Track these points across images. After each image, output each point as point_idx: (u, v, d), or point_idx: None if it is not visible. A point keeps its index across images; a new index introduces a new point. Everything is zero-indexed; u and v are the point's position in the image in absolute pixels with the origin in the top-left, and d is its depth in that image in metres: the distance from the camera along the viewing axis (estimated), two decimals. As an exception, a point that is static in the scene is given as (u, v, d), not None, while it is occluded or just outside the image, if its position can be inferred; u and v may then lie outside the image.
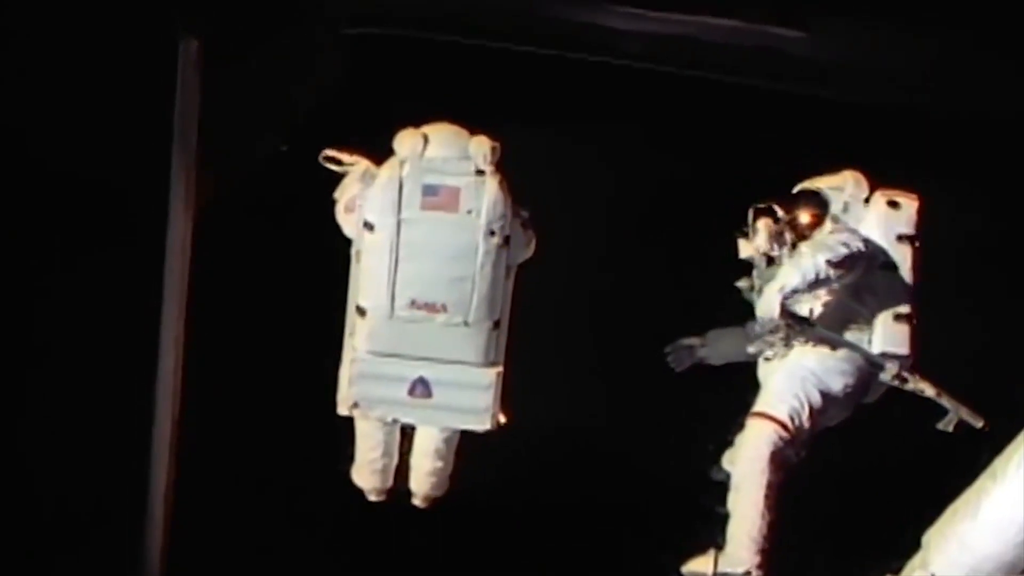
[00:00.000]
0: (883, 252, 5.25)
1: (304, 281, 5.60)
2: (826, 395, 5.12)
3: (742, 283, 5.43)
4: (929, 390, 5.09)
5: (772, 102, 5.99)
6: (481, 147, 4.93)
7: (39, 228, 5.19)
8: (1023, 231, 5.92)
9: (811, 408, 5.06)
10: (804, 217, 5.38)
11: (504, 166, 4.98)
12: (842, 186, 5.36)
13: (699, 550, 5.08)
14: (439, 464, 5.33)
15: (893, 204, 5.30)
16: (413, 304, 4.91)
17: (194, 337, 5.21)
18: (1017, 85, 5.72)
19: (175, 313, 5.15)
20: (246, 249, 5.66)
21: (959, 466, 4.24)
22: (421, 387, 4.98)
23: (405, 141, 4.96)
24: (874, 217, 5.29)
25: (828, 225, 5.29)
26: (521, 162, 4.98)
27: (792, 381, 5.12)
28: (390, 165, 4.95)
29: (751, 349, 5.26)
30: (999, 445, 4.09)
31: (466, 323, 4.91)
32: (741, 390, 5.35)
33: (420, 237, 4.89)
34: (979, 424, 4.97)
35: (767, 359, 5.28)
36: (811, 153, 5.50)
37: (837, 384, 5.15)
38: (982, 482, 4.15)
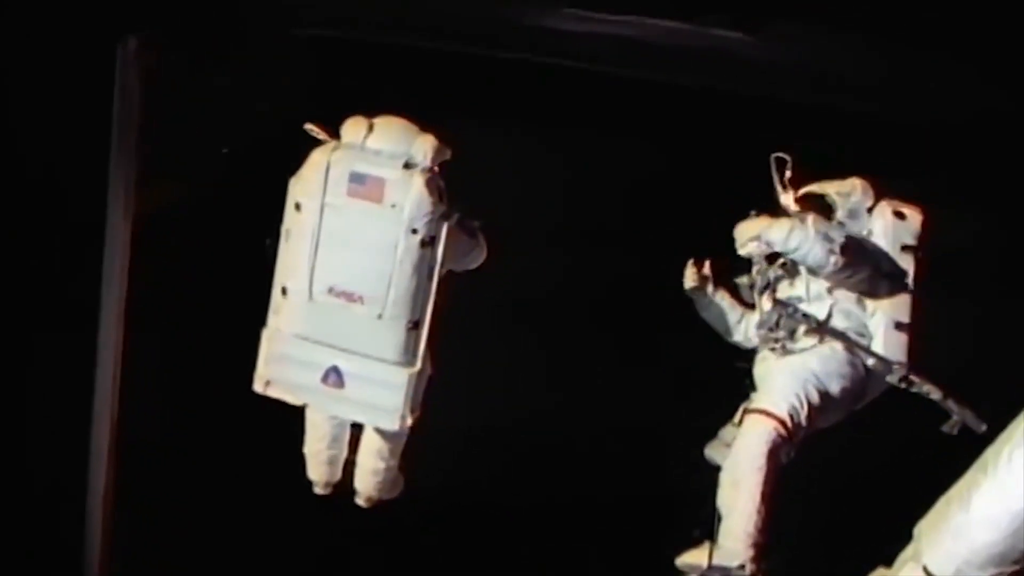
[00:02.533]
0: (888, 260, 5.33)
1: (247, 285, 5.62)
2: (825, 397, 5.20)
3: (742, 279, 5.48)
4: (935, 393, 5.17)
5: (727, 105, 6.02)
6: (424, 144, 4.95)
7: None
8: (980, 232, 6.02)
9: (810, 408, 5.14)
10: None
11: (457, 169, 5.01)
12: (849, 192, 5.41)
13: (671, 546, 5.18)
14: (381, 465, 5.35)
15: (899, 215, 5.37)
16: (331, 291, 4.94)
17: (133, 341, 5.26)
18: (977, 91, 5.77)
19: (114, 319, 5.22)
20: (187, 254, 5.68)
21: (950, 458, 4.34)
22: (334, 376, 5.00)
23: (349, 127, 5.01)
24: (880, 225, 5.36)
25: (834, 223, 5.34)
26: (474, 165, 5.00)
27: (794, 381, 5.19)
28: (324, 148, 4.98)
29: (755, 332, 5.38)
30: (989, 437, 4.20)
31: (380, 317, 4.93)
32: (714, 389, 5.43)
33: (342, 224, 4.90)
34: (982, 429, 5.02)
35: (767, 357, 5.35)
36: (767, 157, 5.50)
37: (836, 387, 5.23)
38: (973, 474, 4.23)
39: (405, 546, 6.09)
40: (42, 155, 5.29)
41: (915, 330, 5.28)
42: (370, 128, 4.98)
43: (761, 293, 5.41)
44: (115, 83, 4.90)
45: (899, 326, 5.27)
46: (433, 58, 5.97)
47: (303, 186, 4.95)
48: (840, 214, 5.39)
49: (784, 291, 5.42)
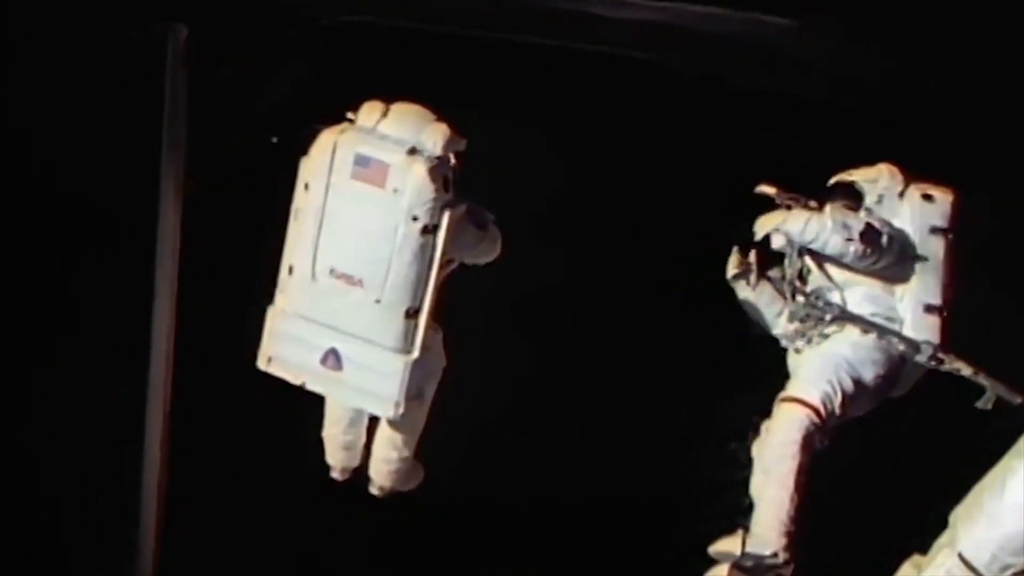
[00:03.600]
0: (916, 244, 5.35)
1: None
2: (858, 383, 5.22)
3: (774, 272, 5.53)
4: (966, 369, 5.19)
5: (752, 97, 6.04)
6: (436, 133, 4.93)
7: (29, 224, 5.28)
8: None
9: (843, 395, 5.17)
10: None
11: (477, 158, 4.98)
12: (876, 179, 5.43)
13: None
14: (394, 455, 5.33)
15: (927, 197, 5.39)
16: (332, 272, 4.92)
17: (185, 329, 5.34)
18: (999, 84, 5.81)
19: (166, 306, 5.26)
20: (236, 240, 5.69)
21: (985, 445, 4.42)
22: (333, 358, 4.99)
23: (365, 110, 5.02)
24: (908, 210, 5.37)
25: (862, 213, 5.40)
26: (496, 154, 4.99)
27: (826, 368, 5.23)
28: (333, 129, 4.99)
29: (786, 326, 5.44)
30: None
31: (378, 302, 4.89)
32: (742, 385, 5.51)
33: (345, 206, 4.89)
34: (1017, 400, 5.07)
35: (797, 351, 5.41)
36: (790, 148, 5.53)
37: (869, 374, 5.25)
38: (1008, 461, 4.34)
39: (430, 539, 6.12)
40: (92, 147, 5.38)
41: (947, 312, 5.29)
42: (385, 113, 4.99)
43: (791, 285, 5.47)
44: (165, 71, 4.97)
45: (929, 308, 5.29)
46: (464, 45, 5.99)
47: (311, 166, 4.97)
48: (869, 200, 5.40)
49: (814, 281, 5.47)
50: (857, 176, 5.50)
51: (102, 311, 5.34)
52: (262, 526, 5.89)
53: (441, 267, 4.93)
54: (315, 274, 4.97)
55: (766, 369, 5.46)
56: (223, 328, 5.63)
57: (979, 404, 5.14)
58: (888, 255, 5.30)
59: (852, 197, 5.44)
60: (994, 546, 4.32)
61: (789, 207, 5.36)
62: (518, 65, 6.10)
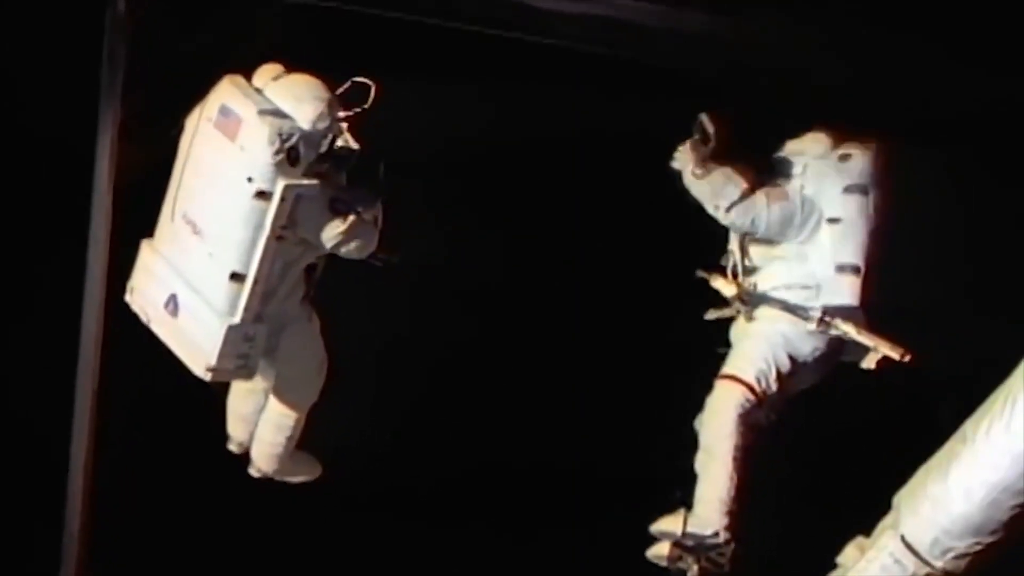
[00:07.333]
0: (828, 207, 5.29)
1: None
2: (795, 359, 5.22)
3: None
4: (850, 331, 5.17)
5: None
6: (311, 107, 4.81)
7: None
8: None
9: (779, 371, 5.19)
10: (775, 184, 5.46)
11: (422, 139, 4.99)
12: (803, 149, 5.41)
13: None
14: (268, 437, 5.31)
15: (844, 157, 5.33)
16: (184, 216, 4.94)
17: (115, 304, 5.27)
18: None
19: (98, 278, 5.25)
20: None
21: (930, 428, 4.48)
22: (172, 303, 4.99)
23: (262, 70, 4.97)
24: (828, 172, 5.31)
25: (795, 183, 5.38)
26: (448, 133, 4.92)
27: (763, 345, 5.23)
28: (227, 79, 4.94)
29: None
30: (970, 407, 4.34)
31: (211, 256, 4.88)
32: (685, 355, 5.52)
33: (203, 153, 4.89)
34: (898, 356, 5.05)
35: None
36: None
37: (806, 347, 5.24)
38: (952, 444, 4.37)
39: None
40: (29, 115, 5.30)
41: (865, 269, 5.22)
42: (277, 78, 4.91)
43: (732, 271, 5.46)
44: (103, 45, 4.88)
45: (842, 268, 5.23)
46: (429, 34, 5.96)
47: (191, 112, 4.96)
48: (796, 170, 5.33)
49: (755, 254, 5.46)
50: (787, 149, 5.48)
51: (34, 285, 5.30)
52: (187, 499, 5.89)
53: (278, 238, 4.85)
54: (173, 215, 4.97)
55: (705, 345, 5.43)
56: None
57: (863, 364, 5.15)
58: (793, 231, 5.27)
59: (785, 170, 5.42)
60: (937, 529, 4.35)
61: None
62: (472, 53, 6.06)
